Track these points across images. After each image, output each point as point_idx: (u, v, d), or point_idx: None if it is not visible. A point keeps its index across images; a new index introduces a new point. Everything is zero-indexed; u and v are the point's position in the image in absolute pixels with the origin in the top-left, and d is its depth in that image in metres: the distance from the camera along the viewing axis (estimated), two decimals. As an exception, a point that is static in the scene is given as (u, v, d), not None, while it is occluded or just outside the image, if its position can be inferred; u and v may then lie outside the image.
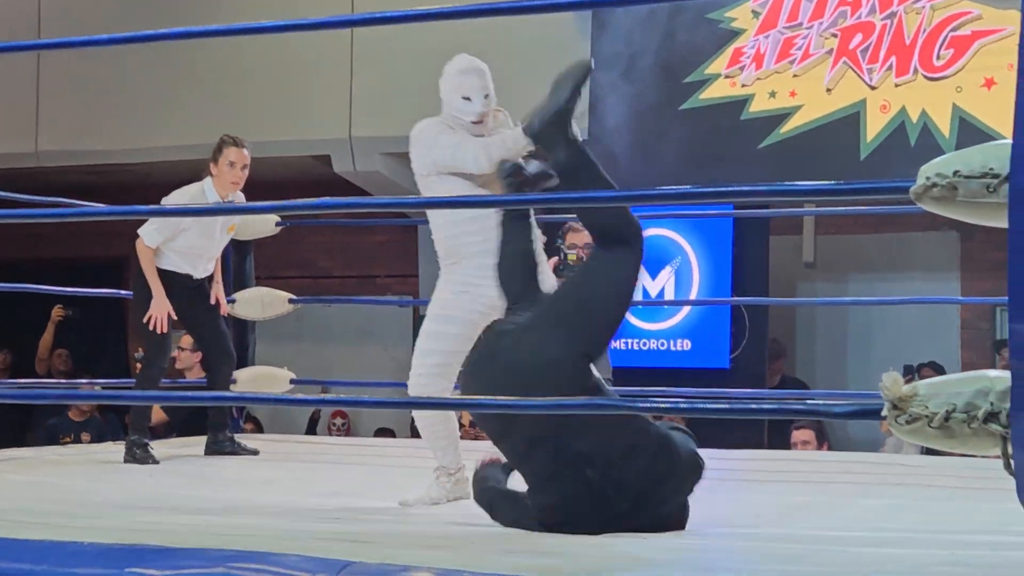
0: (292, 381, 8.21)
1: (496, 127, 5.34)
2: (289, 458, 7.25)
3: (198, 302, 7.12)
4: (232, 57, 11.45)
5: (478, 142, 5.16)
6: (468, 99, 5.22)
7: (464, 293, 5.18)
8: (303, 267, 8.07)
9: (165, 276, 6.91)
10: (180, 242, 6.90)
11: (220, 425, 7.28)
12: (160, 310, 6.82)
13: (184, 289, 7.00)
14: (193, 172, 7.20)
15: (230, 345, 7.33)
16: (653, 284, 10.35)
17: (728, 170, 9.45)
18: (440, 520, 4.66)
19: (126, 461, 6.69)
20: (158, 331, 6.82)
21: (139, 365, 8.99)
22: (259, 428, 11.40)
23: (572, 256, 7.76)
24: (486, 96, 5.25)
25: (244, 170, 6.91)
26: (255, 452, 7.29)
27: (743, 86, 9.86)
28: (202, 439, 7.33)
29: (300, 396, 7.19)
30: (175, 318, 6.92)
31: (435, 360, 5.16)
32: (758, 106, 9.77)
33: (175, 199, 6.89)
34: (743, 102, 9.79)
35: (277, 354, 9.18)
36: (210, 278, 7.22)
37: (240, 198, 7.11)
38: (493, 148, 5.11)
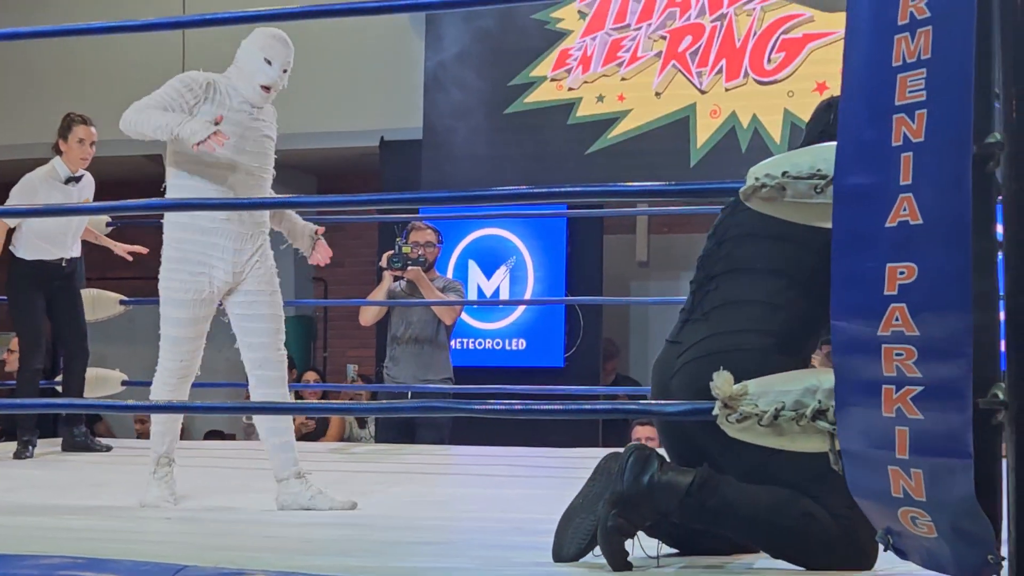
0: (124, 383, 8.13)
1: (267, 115, 5.27)
2: (121, 461, 7.17)
3: (63, 297, 7.38)
4: (63, 57, 11.27)
5: (169, 117, 5.03)
6: (269, 62, 5.13)
7: (192, 273, 5.13)
8: (135, 268, 7.96)
9: (33, 266, 7.23)
10: (40, 220, 7.17)
11: (75, 420, 7.53)
12: None
13: (51, 281, 7.30)
14: (22, 172, 7.16)
15: (87, 343, 7.52)
16: (488, 284, 10.37)
17: (557, 175, 9.43)
18: (274, 521, 4.63)
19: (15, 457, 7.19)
20: None
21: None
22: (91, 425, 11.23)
23: (407, 248, 7.78)
24: (284, 71, 5.18)
25: (92, 147, 7.25)
26: (108, 448, 7.56)
27: (570, 89, 9.82)
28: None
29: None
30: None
31: (174, 356, 5.19)
32: (585, 110, 9.76)
33: (26, 181, 7.17)
34: (570, 106, 9.77)
35: (109, 356, 9.05)
36: (77, 271, 7.44)
37: (88, 177, 7.37)
38: (180, 128, 4.98)
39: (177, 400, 5.15)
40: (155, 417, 5.23)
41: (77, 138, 7.19)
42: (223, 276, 5.12)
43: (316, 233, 5.49)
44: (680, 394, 3.40)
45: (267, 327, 5.19)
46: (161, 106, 5.09)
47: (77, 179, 7.28)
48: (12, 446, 7.40)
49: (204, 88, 5.11)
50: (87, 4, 10.13)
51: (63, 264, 7.32)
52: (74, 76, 11.33)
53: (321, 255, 5.50)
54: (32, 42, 10.79)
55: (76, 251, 7.42)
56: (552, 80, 9.86)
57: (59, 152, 7.25)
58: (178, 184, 5.15)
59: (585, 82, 9.77)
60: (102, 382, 7.96)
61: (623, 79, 9.67)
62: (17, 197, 7.06)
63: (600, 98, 9.70)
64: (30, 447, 7.23)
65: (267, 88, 5.15)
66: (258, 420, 5.21)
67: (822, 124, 3.55)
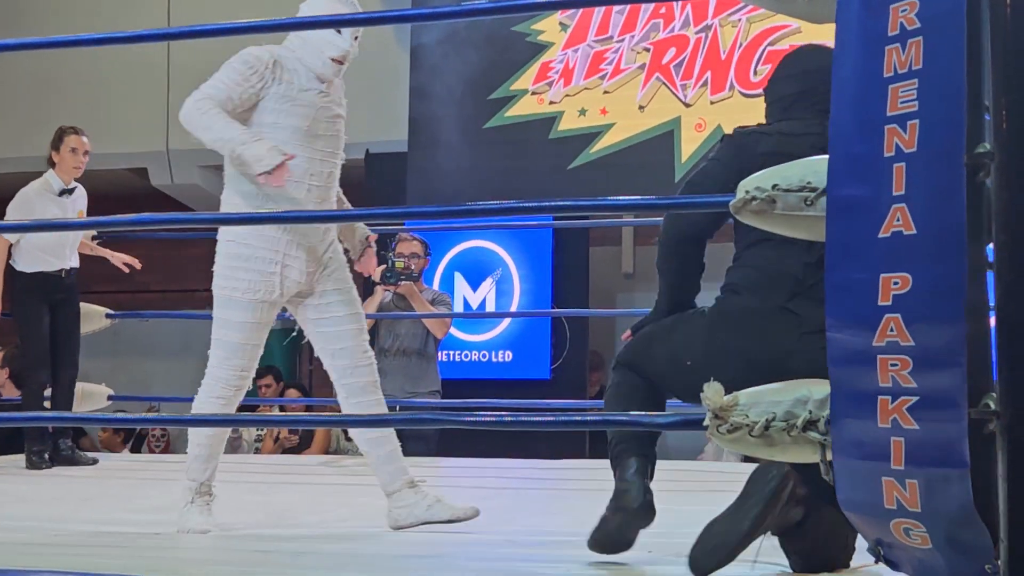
0: (111, 397, 8.13)
1: (335, 89, 4.77)
2: (110, 474, 7.16)
3: (65, 311, 7.49)
4: (45, 69, 11.25)
5: (233, 132, 4.49)
6: (339, 31, 4.61)
7: (244, 270, 4.63)
8: (120, 281, 7.97)
9: (34, 279, 7.33)
10: (38, 234, 7.26)
11: (62, 433, 7.56)
12: None
13: (53, 293, 7.40)
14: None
15: (78, 357, 7.60)
16: (475, 296, 10.36)
17: (541, 187, 9.40)
18: (265, 536, 4.62)
19: (27, 467, 7.28)
20: None
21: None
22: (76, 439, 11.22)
23: (399, 263, 7.78)
24: (355, 38, 4.68)
25: (85, 156, 7.45)
26: (94, 462, 7.58)
27: (551, 103, 9.78)
28: (18, 457, 7.42)
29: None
30: None
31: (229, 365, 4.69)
32: (567, 124, 9.71)
33: (21, 196, 7.33)
34: (551, 120, 9.73)
35: (94, 370, 9.04)
36: (75, 284, 7.52)
37: (80, 189, 7.52)
38: (244, 149, 4.47)
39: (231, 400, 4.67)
40: (196, 439, 4.69)
41: (69, 147, 7.37)
42: (296, 276, 4.63)
43: (368, 239, 4.94)
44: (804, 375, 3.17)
45: (350, 329, 4.68)
46: (224, 99, 4.55)
47: (70, 191, 7.43)
48: (7, 459, 7.45)
49: (271, 68, 4.60)
50: (64, 14, 10.12)
51: (63, 275, 7.43)
52: (54, 89, 11.31)
53: (367, 264, 4.93)
54: (7, 54, 10.80)
55: (75, 262, 7.55)
56: (533, 93, 9.81)
57: (52, 164, 7.41)
58: (238, 178, 4.63)
59: (567, 95, 9.72)
60: (88, 397, 7.96)
61: (606, 92, 9.62)
62: (14, 212, 7.23)
63: (582, 112, 9.66)
64: (44, 455, 7.32)
65: (339, 61, 4.67)
66: (357, 433, 4.75)
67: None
